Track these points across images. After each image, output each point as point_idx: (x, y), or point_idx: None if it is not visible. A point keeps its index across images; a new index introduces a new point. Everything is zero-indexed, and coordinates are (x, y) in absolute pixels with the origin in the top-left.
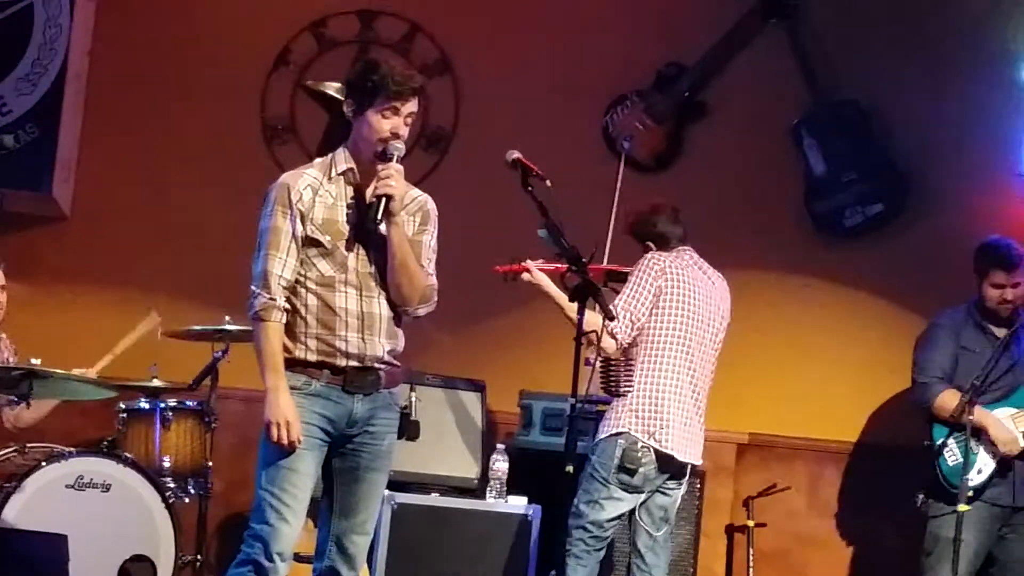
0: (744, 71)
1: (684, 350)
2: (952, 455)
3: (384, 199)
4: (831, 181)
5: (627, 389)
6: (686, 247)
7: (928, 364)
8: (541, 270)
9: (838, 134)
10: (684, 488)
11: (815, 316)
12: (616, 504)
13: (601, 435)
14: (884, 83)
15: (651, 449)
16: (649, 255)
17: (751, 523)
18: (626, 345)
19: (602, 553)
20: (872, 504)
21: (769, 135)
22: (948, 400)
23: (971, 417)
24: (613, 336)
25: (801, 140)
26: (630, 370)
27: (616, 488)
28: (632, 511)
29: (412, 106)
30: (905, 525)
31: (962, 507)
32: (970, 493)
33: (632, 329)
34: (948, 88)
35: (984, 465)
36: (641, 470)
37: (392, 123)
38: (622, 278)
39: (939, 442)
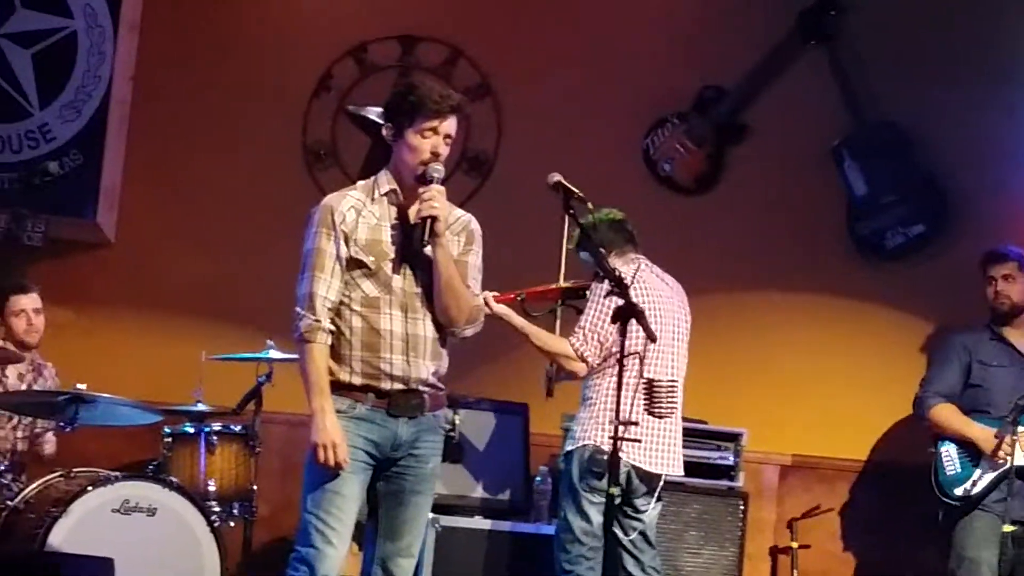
0: (784, 93)
1: (651, 362)
2: (951, 464)
3: (429, 220)
4: (872, 202)
5: (671, 411)
6: (639, 255)
7: (931, 379)
8: (499, 301)
9: (879, 155)
10: (659, 507)
11: (858, 337)
12: (596, 508)
13: (566, 448)
14: (924, 103)
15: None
16: None
17: (795, 545)
18: (595, 366)
19: (599, 568)
20: (916, 525)
21: (810, 157)
22: (941, 413)
23: (1015, 437)
24: (583, 359)
25: (842, 162)
26: (673, 392)
27: (587, 494)
28: (617, 541)
29: (451, 125)
30: (949, 546)
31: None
32: (959, 503)
33: (601, 350)
34: (988, 107)
35: (981, 477)
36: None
37: (432, 142)
38: (580, 295)
39: (940, 449)
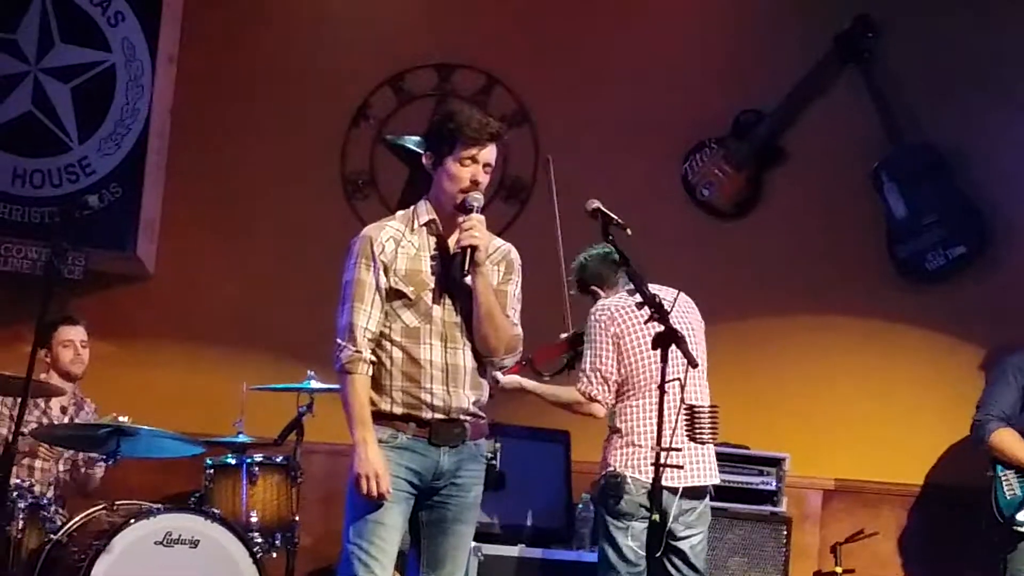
0: (822, 116)
1: (657, 383)
2: (1011, 487)
3: (469, 250)
4: (912, 224)
5: (713, 436)
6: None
7: (988, 402)
8: (504, 374)
9: (918, 177)
10: (703, 530)
11: (899, 360)
12: (623, 532)
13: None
14: (963, 124)
15: (630, 478)
16: (594, 308)
17: (839, 569)
18: (611, 403)
19: None
20: (960, 548)
21: (849, 179)
22: (1003, 439)
23: None
24: (594, 399)
25: (881, 184)
26: (715, 416)
27: (612, 519)
28: (660, 565)
29: (490, 154)
30: (993, 569)
31: None
32: (1022, 528)
33: (608, 386)
34: None
35: None
36: (626, 497)
37: (471, 171)
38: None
39: (999, 472)
